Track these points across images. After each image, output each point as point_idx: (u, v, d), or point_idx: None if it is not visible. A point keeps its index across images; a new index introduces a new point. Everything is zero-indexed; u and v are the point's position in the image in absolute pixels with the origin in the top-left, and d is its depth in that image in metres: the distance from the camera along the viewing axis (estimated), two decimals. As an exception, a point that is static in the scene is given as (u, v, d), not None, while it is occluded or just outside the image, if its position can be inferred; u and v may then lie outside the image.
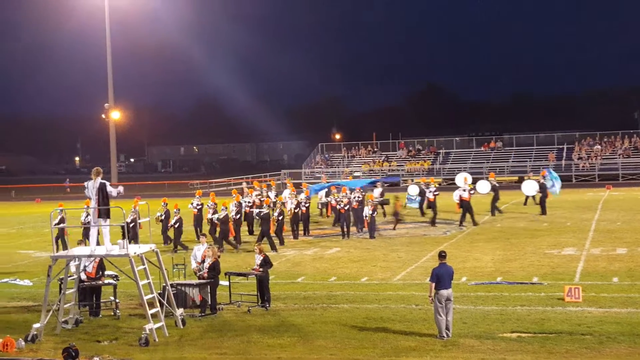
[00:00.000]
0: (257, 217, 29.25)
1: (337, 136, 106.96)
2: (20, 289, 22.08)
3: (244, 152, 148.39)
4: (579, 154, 64.25)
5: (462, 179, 34.44)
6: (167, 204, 29.51)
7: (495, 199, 35.62)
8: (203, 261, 18.40)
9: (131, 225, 25.89)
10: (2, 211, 30.22)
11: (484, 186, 36.52)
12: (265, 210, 28.25)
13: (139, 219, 27.21)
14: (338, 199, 32.04)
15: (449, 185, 56.72)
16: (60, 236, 26.84)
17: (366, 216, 30.09)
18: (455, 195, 33.12)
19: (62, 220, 27.41)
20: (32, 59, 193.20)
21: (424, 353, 13.75)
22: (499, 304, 17.38)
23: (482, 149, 71.45)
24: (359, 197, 31.36)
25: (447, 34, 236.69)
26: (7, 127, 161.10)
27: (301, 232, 31.31)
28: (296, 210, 31.20)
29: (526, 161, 65.97)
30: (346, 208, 30.70)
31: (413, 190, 37.04)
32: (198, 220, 31.09)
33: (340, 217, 31.23)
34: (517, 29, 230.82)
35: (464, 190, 32.08)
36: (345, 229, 30.27)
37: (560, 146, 68.20)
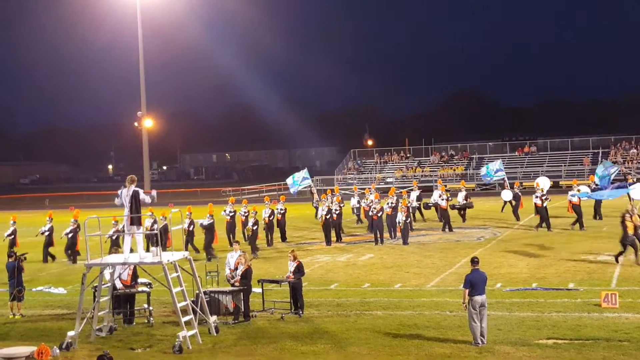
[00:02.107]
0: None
1: (370, 142, 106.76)
2: (55, 297, 22.24)
3: (276, 159, 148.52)
4: (614, 158, 63.47)
5: (535, 184, 33.78)
6: (191, 214, 29.74)
7: (517, 206, 35.23)
8: (236, 268, 18.40)
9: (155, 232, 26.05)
10: (36, 219, 30.50)
11: (506, 194, 36.11)
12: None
13: (171, 226, 27.33)
14: (371, 205, 31.90)
15: (482, 191, 56.47)
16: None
17: (399, 222, 29.91)
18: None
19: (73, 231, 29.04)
20: (66, 70, 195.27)
21: (459, 360, 13.62)
22: (534, 310, 17.17)
23: (516, 153, 70.88)
24: (392, 202, 31.17)
25: (482, 39, 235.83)
26: (43, 137, 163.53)
27: (334, 239, 31.24)
28: (327, 217, 31.11)
29: (561, 166, 65.36)
30: (379, 215, 30.55)
31: (506, 195, 36.24)
32: (231, 227, 31.22)
33: (373, 223, 31.11)
34: (551, 32, 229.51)
35: (537, 197, 31.68)
36: (378, 235, 30.13)
37: (596, 150, 67.48)
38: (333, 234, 31.55)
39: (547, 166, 66.11)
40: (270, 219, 31.54)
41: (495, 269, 22.47)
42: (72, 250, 29.56)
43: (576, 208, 31.43)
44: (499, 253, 25.98)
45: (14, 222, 30.93)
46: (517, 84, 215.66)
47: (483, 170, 40.40)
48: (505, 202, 37.63)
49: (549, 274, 21.69)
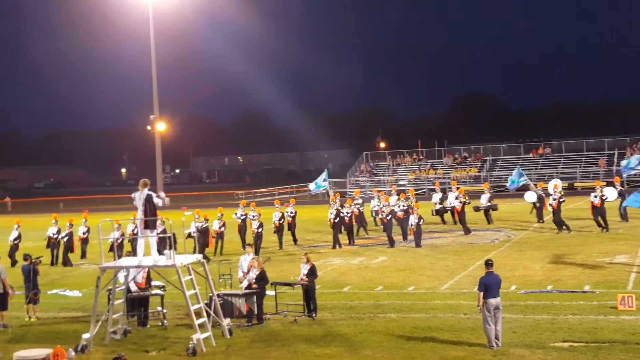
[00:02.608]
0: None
1: (382, 144, 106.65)
2: (70, 299, 22.33)
3: (288, 162, 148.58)
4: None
5: (553, 186, 33.58)
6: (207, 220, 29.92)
7: (541, 207, 35.01)
8: (249, 271, 18.40)
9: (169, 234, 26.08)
10: (51, 223, 30.64)
11: (530, 196, 35.77)
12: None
13: (185, 229, 27.42)
14: (380, 208, 31.81)
15: (497, 193, 56.25)
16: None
17: (412, 225, 29.84)
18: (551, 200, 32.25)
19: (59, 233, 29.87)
20: (80, 74, 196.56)
21: (474, 363, 13.57)
22: (549, 312, 17.08)
23: (530, 155, 70.58)
24: (403, 206, 31.08)
25: (493, 41, 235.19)
26: (57, 141, 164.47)
27: (345, 242, 31.19)
28: (336, 220, 31.03)
29: (576, 167, 65.07)
30: (388, 217, 30.40)
31: (530, 197, 35.86)
32: (242, 230, 31.27)
33: (384, 226, 31.02)
34: (565, 33, 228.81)
35: (554, 199, 31.55)
36: (391, 238, 30.08)
37: (611, 152, 67.06)
38: (345, 237, 31.56)
39: (562, 168, 65.82)
40: (281, 222, 31.54)
41: (509, 271, 22.38)
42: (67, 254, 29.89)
43: (598, 210, 31.14)
44: (513, 255, 25.87)
45: (18, 227, 30.99)
46: (530, 86, 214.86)
47: (508, 182, 39.35)
48: (534, 204, 36.79)
49: (564, 276, 21.57)
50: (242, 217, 31.36)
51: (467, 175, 68.16)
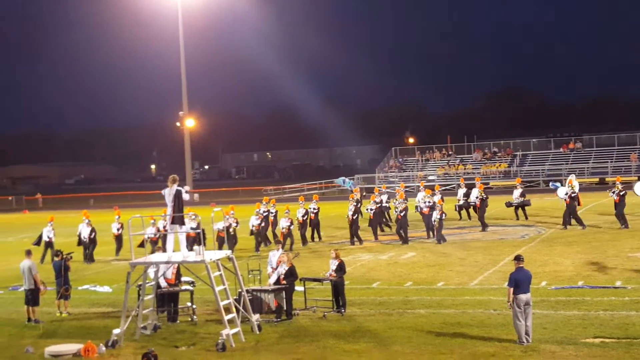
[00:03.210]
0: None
1: (411, 140, 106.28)
2: (100, 295, 22.50)
3: (317, 158, 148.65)
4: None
5: (568, 181, 33.32)
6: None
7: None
8: (278, 267, 18.43)
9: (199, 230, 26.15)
10: (81, 219, 30.84)
11: (562, 191, 35.26)
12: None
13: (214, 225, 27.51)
14: (395, 204, 31.44)
15: (527, 188, 55.82)
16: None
17: (435, 221, 29.66)
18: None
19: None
20: (109, 72, 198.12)
21: (503, 359, 13.49)
22: (580, 308, 16.92)
23: (561, 150, 69.98)
24: (428, 202, 30.80)
25: (524, 35, 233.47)
26: (87, 138, 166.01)
27: (371, 238, 31.06)
28: (354, 217, 30.67)
29: (607, 162, 64.40)
30: (402, 214, 30.22)
31: (562, 192, 35.27)
32: (265, 227, 31.41)
33: (397, 223, 30.70)
34: (597, 27, 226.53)
35: (566, 194, 31.42)
36: (403, 235, 29.89)
37: (643, 146, 66.35)
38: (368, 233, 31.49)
39: (592, 163, 65.19)
40: (304, 218, 31.50)
41: (540, 267, 22.21)
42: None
43: (616, 206, 30.91)
44: (544, 251, 25.68)
45: (52, 223, 30.91)
46: (561, 80, 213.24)
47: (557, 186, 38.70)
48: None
49: (595, 272, 21.37)
50: (264, 214, 31.31)
51: (497, 171, 67.73)
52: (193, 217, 26.60)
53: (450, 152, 75.33)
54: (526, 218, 35.37)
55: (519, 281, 14.33)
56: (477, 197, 33.80)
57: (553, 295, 18.45)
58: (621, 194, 30.69)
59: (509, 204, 36.11)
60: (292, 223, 30.60)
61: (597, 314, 16.28)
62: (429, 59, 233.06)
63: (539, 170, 65.47)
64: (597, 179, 59.81)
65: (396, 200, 32.26)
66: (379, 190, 38.19)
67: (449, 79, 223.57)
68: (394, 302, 18.86)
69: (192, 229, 26.81)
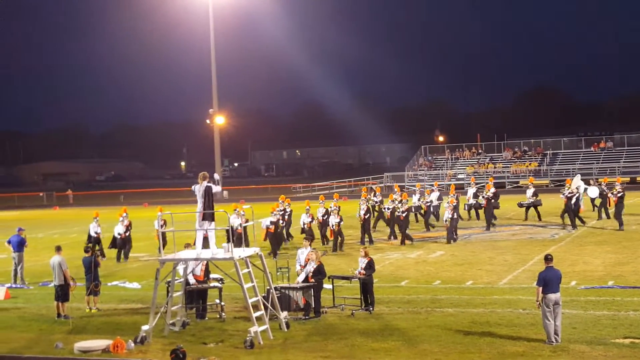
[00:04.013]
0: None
1: (441, 138, 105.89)
2: (129, 291, 22.66)
3: (346, 155, 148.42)
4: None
5: (567, 181, 33.35)
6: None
7: (603, 203, 34.26)
8: (306, 264, 18.44)
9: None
10: (111, 215, 31.04)
11: (593, 191, 34.90)
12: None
13: (244, 222, 27.57)
14: (396, 204, 31.13)
15: (556, 187, 55.42)
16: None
17: (446, 220, 29.46)
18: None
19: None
20: (141, 69, 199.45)
21: (532, 358, 13.41)
22: (610, 308, 16.79)
23: (592, 149, 69.35)
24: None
25: (554, 33, 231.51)
26: (118, 135, 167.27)
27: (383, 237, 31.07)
28: (366, 217, 30.34)
29: (639, 161, 63.71)
30: (404, 215, 30.03)
31: (593, 192, 35.03)
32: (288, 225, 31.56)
33: (399, 223, 30.42)
34: (626, 27, 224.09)
35: (563, 195, 31.55)
36: (402, 236, 29.77)
37: (675, 145, 65.59)
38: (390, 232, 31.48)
39: (623, 162, 64.55)
40: (324, 217, 31.33)
41: (569, 266, 22.05)
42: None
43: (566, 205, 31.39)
44: (574, 250, 25.49)
45: (97, 219, 30.67)
46: (592, 79, 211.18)
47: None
48: (592, 200, 36.07)
49: (625, 271, 21.18)
50: (280, 212, 31.23)
51: (527, 170, 67.26)
52: (242, 213, 26.94)
53: (480, 151, 74.96)
54: (539, 219, 34.72)
55: (548, 280, 14.24)
56: (482, 197, 33.69)
57: (583, 295, 18.31)
58: (619, 195, 30.65)
59: (520, 205, 35.67)
60: (313, 219, 30.76)
61: (627, 314, 16.14)
62: (460, 57, 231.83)
63: (569, 169, 64.93)
64: (629, 179, 59.15)
65: (397, 200, 31.98)
66: (399, 188, 38.15)
67: (480, 78, 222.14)
68: (422, 301, 18.82)
69: (240, 225, 27.15)
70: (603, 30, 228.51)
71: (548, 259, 14.69)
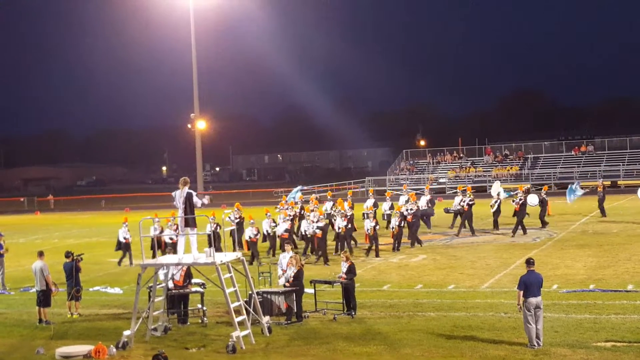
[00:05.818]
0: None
1: (422, 142, 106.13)
2: (111, 296, 22.54)
3: (327, 160, 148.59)
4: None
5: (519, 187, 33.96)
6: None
7: (544, 211, 34.04)
8: (287, 269, 18.43)
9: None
10: (92, 220, 30.88)
11: (533, 199, 34.47)
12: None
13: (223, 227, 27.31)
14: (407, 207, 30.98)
15: (538, 191, 55.59)
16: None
17: (393, 227, 29.13)
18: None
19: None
20: (122, 74, 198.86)
21: (514, 363, 13.44)
22: (592, 312, 16.87)
23: (572, 153, 69.74)
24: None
25: (535, 38, 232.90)
26: (99, 140, 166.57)
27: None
28: (348, 227, 28.66)
29: (619, 165, 64.15)
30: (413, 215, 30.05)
31: (533, 199, 34.18)
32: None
33: (409, 225, 30.22)
34: (607, 29, 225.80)
35: (513, 201, 32.16)
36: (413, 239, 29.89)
37: (655, 149, 66.05)
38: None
39: (604, 166, 64.95)
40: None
41: (551, 270, 22.14)
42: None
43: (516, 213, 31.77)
44: (555, 254, 25.61)
45: (127, 224, 29.47)
46: (573, 83, 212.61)
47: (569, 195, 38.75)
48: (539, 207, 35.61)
49: (607, 275, 21.30)
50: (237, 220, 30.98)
51: (508, 173, 67.53)
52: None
53: (461, 155, 75.21)
54: (462, 227, 33.48)
55: (529, 284, 14.29)
56: (465, 202, 33.02)
57: (564, 299, 18.39)
58: (521, 202, 31.43)
59: (447, 210, 35.03)
60: (258, 232, 28.62)
61: (608, 318, 16.22)
62: (441, 61, 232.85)
63: (550, 173, 65.28)
64: (609, 182, 59.54)
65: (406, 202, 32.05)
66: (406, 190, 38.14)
67: (461, 81, 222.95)
68: (404, 305, 18.83)
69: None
70: (584, 35, 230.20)
71: (530, 262, 14.73)
